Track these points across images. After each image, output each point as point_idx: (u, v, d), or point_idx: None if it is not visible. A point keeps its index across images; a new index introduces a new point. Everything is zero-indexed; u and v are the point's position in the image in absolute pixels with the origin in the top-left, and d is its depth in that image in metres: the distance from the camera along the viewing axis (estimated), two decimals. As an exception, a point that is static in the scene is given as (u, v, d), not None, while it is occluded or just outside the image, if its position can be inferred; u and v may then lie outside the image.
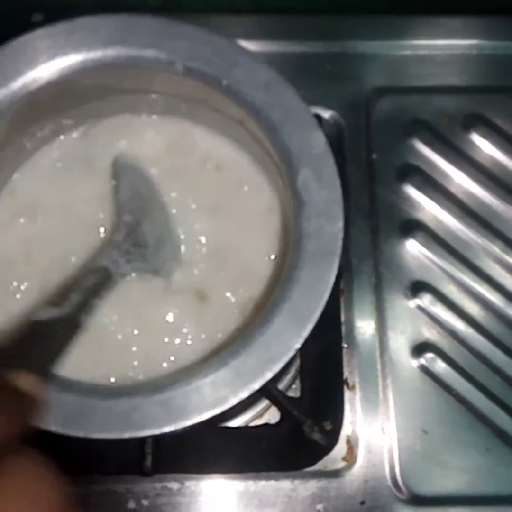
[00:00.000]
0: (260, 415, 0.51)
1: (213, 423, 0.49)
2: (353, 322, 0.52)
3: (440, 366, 0.51)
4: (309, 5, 0.59)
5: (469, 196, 0.55)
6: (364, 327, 0.52)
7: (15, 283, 0.43)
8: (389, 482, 0.48)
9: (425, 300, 0.52)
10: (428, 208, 0.55)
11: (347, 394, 0.50)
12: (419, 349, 0.51)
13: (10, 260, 0.44)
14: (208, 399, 0.34)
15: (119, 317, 0.42)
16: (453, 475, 0.49)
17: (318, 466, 0.48)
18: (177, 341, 0.42)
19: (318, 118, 0.55)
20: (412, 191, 0.55)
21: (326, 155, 0.37)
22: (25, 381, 0.26)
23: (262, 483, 0.48)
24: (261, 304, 0.42)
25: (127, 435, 0.33)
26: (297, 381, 0.51)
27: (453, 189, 0.55)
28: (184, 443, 0.47)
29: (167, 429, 0.33)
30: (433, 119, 0.57)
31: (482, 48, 0.59)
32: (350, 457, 0.49)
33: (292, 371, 0.51)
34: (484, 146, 0.56)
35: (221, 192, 0.45)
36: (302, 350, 0.50)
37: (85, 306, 0.36)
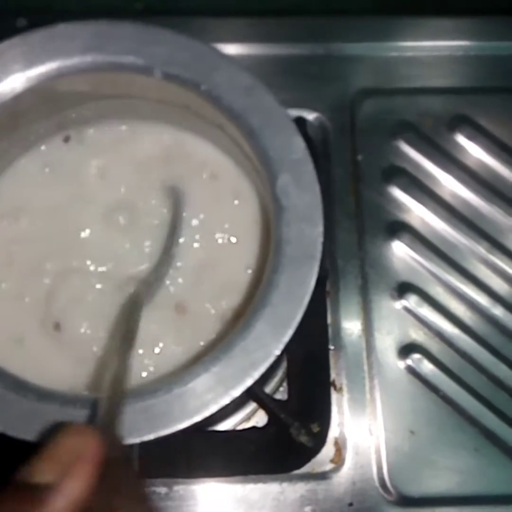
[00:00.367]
0: (247, 418, 0.51)
1: (200, 427, 0.49)
2: (339, 324, 0.52)
3: (427, 367, 0.51)
4: (294, 7, 0.59)
5: (454, 197, 0.55)
6: (351, 328, 0.52)
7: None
8: (377, 484, 0.49)
9: (412, 301, 0.52)
10: (413, 209, 0.55)
11: (334, 396, 0.50)
12: (406, 350, 0.51)
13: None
14: (190, 406, 0.34)
15: (94, 330, 0.42)
16: (441, 476, 0.49)
17: (306, 469, 0.48)
18: (156, 350, 0.42)
19: (303, 120, 0.56)
20: (397, 193, 0.55)
21: (305, 160, 0.37)
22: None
23: (250, 486, 0.48)
24: (241, 312, 0.42)
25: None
26: (285, 384, 0.51)
27: (438, 191, 0.55)
28: (171, 447, 0.47)
29: (147, 437, 0.33)
30: (418, 120, 0.57)
31: (468, 50, 0.59)
32: (338, 459, 0.49)
33: (279, 374, 0.51)
34: (470, 148, 0.56)
35: (210, 203, 0.45)
36: (288, 353, 0.50)
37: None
